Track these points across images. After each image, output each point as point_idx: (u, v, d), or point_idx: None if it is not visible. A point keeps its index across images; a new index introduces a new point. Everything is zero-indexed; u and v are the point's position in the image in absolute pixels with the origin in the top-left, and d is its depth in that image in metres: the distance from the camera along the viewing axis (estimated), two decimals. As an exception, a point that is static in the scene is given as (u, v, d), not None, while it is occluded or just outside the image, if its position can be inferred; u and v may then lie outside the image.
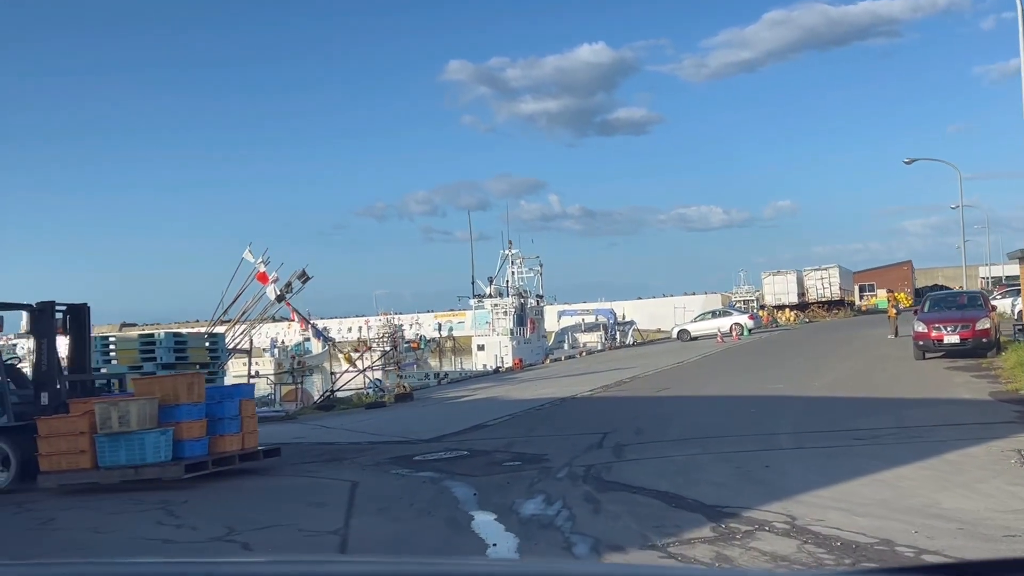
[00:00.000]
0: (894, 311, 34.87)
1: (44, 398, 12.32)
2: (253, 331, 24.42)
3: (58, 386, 12.49)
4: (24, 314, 13.40)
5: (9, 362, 13.13)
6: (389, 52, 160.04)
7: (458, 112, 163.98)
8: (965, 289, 36.47)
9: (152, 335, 19.62)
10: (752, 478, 9.54)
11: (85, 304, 13.41)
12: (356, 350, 34.89)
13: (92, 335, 14.27)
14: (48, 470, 11.45)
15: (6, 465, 12.01)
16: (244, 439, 12.50)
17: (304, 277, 23.09)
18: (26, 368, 14.95)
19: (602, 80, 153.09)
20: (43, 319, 12.66)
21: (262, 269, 22.62)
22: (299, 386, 23.40)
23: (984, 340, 21.64)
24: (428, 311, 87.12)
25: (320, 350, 47.00)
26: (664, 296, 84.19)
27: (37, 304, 12.79)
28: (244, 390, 13.62)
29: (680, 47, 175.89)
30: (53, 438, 11.50)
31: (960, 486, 8.59)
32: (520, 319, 44.48)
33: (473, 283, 47.80)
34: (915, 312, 24.98)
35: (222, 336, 21.11)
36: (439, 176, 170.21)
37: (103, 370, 15.53)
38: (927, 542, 6.74)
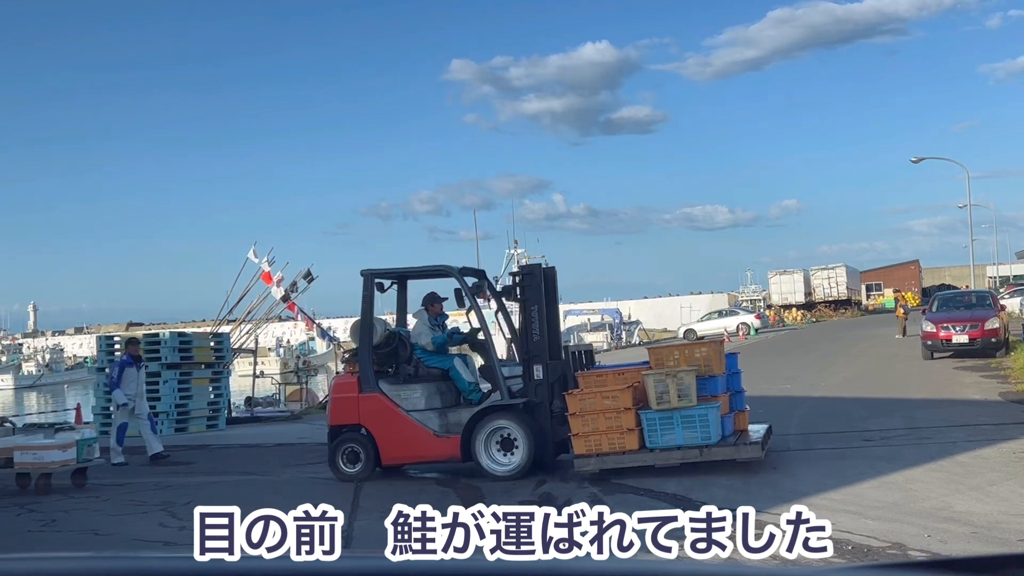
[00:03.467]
0: (901, 311, 34.69)
1: (538, 372, 10.77)
2: (258, 330, 24.36)
3: (551, 358, 10.91)
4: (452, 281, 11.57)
5: (466, 332, 11.66)
6: (391, 51, 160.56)
7: (461, 111, 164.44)
8: (973, 288, 36.29)
9: (157, 335, 19.61)
10: (761, 480, 9.43)
11: (553, 267, 11.68)
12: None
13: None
14: (586, 452, 9.97)
15: (508, 447, 10.56)
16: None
17: (309, 277, 23.01)
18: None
19: (606, 79, 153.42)
20: (531, 283, 11.06)
21: (267, 269, 22.53)
22: (304, 386, 23.33)
23: (993, 340, 21.49)
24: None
25: (325, 350, 46.96)
26: (670, 295, 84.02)
27: (522, 267, 11.27)
28: (736, 360, 11.71)
29: (684, 46, 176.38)
30: (588, 416, 9.98)
31: (972, 489, 8.47)
32: (526, 319, 44.33)
33: (479, 282, 47.63)
34: (923, 312, 24.84)
35: (227, 336, 21.07)
36: (443, 175, 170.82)
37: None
38: (940, 546, 6.63)
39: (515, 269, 11.44)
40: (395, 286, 12.22)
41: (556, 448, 10.74)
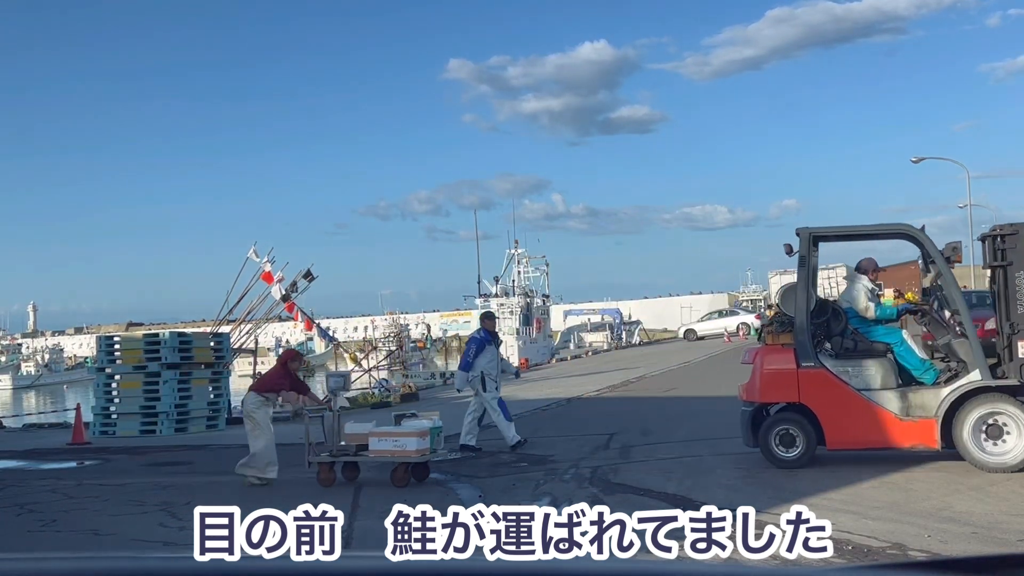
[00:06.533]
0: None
1: (1021, 349, 9.53)
2: (258, 330, 24.35)
3: None
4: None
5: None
6: (389, 51, 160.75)
7: (459, 110, 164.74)
8: (973, 289, 36.25)
9: (157, 335, 19.62)
10: (761, 480, 9.44)
11: None
12: (362, 350, 34.86)
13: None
14: None
15: (996, 436, 9.38)
16: None
17: (309, 277, 23.02)
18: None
19: (604, 78, 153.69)
20: (1016, 245, 9.60)
21: (267, 269, 22.55)
22: (304, 386, 23.31)
23: (993, 340, 21.44)
24: (434, 310, 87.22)
25: (324, 350, 47.00)
26: (670, 295, 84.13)
27: (1002, 226, 9.88)
28: None
29: (683, 45, 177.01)
30: None
31: (973, 489, 8.48)
32: (526, 319, 44.45)
33: (479, 282, 47.79)
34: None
35: (227, 336, 21.07)
36: (442, 175, 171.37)
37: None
38: (940, 546, 6.63)
39: (986, 231, 10.13)
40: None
41: None
